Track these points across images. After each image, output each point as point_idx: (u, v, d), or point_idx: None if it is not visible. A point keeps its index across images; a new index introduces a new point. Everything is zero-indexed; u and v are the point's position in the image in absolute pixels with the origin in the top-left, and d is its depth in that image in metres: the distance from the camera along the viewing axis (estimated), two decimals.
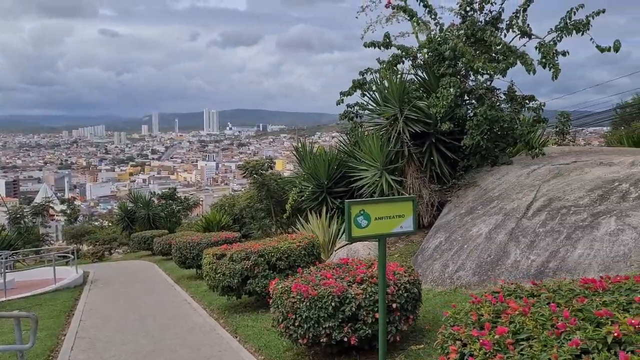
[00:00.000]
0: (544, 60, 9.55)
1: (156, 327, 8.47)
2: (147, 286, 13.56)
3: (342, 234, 11.31)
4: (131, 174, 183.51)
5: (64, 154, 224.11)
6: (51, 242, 39.75)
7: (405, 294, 5.47)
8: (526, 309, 3.00)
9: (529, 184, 8.76)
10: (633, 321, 2.49)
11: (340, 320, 5.23)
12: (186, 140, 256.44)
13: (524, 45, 10.37)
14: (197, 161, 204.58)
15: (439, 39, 10.64)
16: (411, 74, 11.56)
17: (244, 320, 8.24)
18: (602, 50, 9.42)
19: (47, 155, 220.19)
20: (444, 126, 9.98)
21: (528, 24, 10.37)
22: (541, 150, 10.21)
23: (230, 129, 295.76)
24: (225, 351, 6.82)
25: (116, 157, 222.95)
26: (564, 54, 9.75)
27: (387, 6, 11.21)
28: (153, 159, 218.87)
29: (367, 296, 5.27)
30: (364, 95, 11.86)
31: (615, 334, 2.45)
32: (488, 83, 10.81)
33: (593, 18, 9.55)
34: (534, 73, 9.64)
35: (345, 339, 5.24)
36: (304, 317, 5.28)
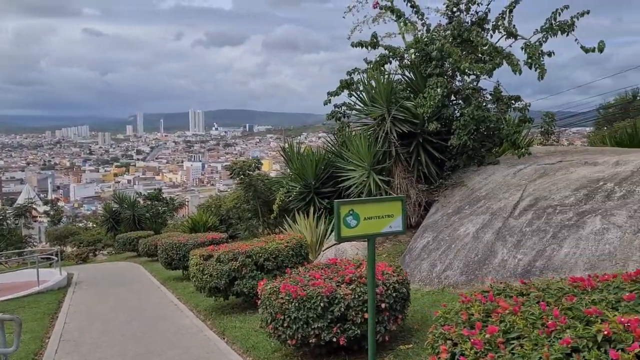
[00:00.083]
0: (529, 60, 9.63)
1: (143, 329, 8.38)
2: (132, 288, 13.42)
3: (330, 234, 11.30)
4: (116, 175, 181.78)
5: (47, 155, 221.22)
6: (34, 243, 39.23)
7: (394, 294, 5.47)
8: (516, 308, 3.00)
9: (516, 184, 8.82)
10: (622, 319, 2.51)
11: (329, 321, 5.21)
12: (171, 140, 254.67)
13: (510, 46, 10.46)
14: (182, 162, 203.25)
15: (426, 39, 10.67)
16: (398, 74, 11.60)
17: (231, 321, 8.19)
18: (586, 50, 9.52)
19: (29, 156, 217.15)
20: (431, 126, 10.02)
21: (514, 25, 10.46)
22: (527, 150, 10.30)
23: (216, 129, 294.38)
24: (213, 353, 6.76)
25: (100, 157, 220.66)
26: (549, 54, 9.84)
27: (374, 6, 11.22)
28: (138, 159, 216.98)
29: (356, 296, 5.26)
30: (351, 95, 11.87)
31: (606, 333, 2.46)
32: (475, 83, 10.87)
33: (578, 19, 9.65)
34: (520, 73, 9.72)
35: (334, 340, 5.23)
36: (292, 317, 5.26)
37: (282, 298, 5.36)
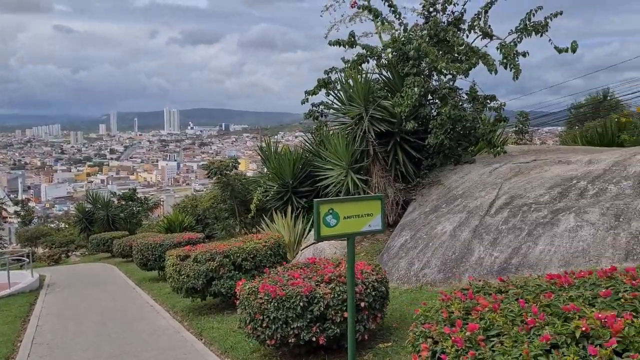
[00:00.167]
0: (505, 60, 9.76)
1: (118, 331, 8.23)
2: (107, 289, 13.20)
3: (308, 234, 11.28)
4: (89, 175, 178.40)
5: (17, 154, 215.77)
6: (4, 245, 38.33)
7: (373, 293, 5.48)
8: (496, 306, 3.02)
9: (491, 182, 8.93)
10: (600, 315, 2.54)
11: (308, 320, 5.19)
12: (146, 139, 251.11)
13: (486, 46, 10.58)
14: (157, 161, 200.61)
15: (403, 38, 10.73)
16: (376, 73, 11.64)
17: (209, 322, 8.10)
18: (560, 51, 9.69)
19: None
20: (409, 125, 10.08)
21: (489, 25, 10.59)
22: (502, 149, 10.44)
23: (192, 128, 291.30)
24: (191, 354, 6.68)
25: (73, 157, 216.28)
26: (524, 54, 9.99)
27: (352, 6, 11.24)
28: (112, 158, 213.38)
29: (336, 295, 5.25)
30: (329, 94, 11.86)
31: (584, 329, 2.49)
32: (451, 83, 10.98)
33: (551, 20, 9.81)
34: (496, 73, 9.85)
35: (314, 339, 5.21)
36: (271, 317, 5.22)
37: (261, 298, 5.32)
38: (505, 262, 6.72)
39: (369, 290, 5.43)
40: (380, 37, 11.72)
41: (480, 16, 10.60)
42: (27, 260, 16.40)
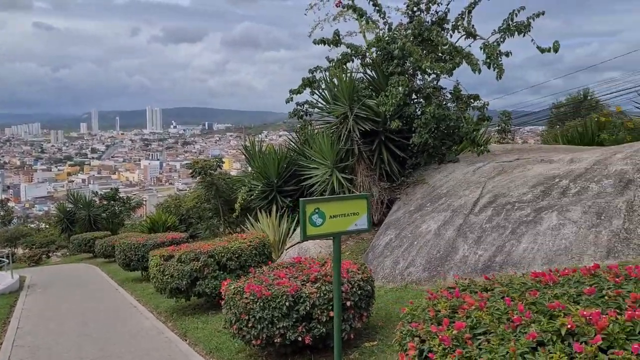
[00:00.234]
0: (488, 60, 9.84)
1: (101, 332, 8.12)
2: (89, 290, 13.03)
3: (293, 233, 11.25)
4: (69, 174, 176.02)
5: None
6: None
7: (359, 292, 5.48)
8: (482, 304, 3.04)
9: (475, 181, 9.00)
10: (585, 313, 2.56)
11: (294, 320, 5.18)
12: (128, 138, 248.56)
13: (469, 46, 10.65)
14: (140, 160, 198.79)
15: (387, 38, 10.76)
16: (360, 72, 11.65)
17: (193, 322, 8.04)
18: (542, 51, 9.80)
19: None
20: (393, 124, 10.11)
21: (473, 25, 10.66)
22: (486, 148, 10.52)
23: (175, 127, 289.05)
24: (175, 355, 6.62)
25: (53, 156, 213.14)
26: (507, 54, 10.07)
27: (337, 5, 11.24)
28: (93, 158, 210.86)
29: (322, 295, 5.24)
30: (313, 93, 11.85)
31: (569, 326, 2.51)
32: (435, 82, 11.04)
33: (533, 20, 9.91)
34: (480, 73, 9.92)
35: (300, 339, 5.19)
36: (257, 317, 5.20)
37: (246, 298, 5.29)
38: (489, 260, 6.77)
39: (354, 289, 5.43)
40: (364, 36, 11.74)
41: (463, 16, 10.68)
42: (7, 261, 16.12)
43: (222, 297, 5.78)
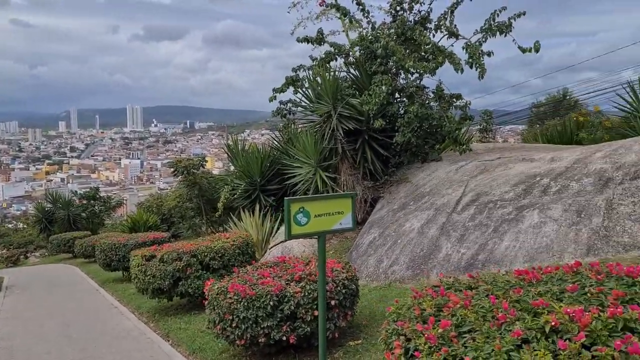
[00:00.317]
0: (470, 60, 9.91)
1: (81, 334, 8.00)
2: (69, 290, 12.84)
3: (277, 232, 11.22)
4: (48, 173, 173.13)
5: None
6: None
7: (344, 291, 5.48)
8: (467, 302, 3.05)
9: (458, 180, 9.06)
10: (568, 310, 2.59)
11: (278, 320, 5.16)
12: (108, 137, 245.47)
13: (452, 46, 10.71)
14: (120, 159, 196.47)
15: (370, 37, 10.78)
16: (344, 71, 11.66)
17: (176, 323, 7.97)
18: (524, 50, 9.90)
19: None
20: (377, 123, 10.13)
21: (455, 25, 10.73)
22: (468, 147, 10.61)
23: (156, 125, 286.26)
24: (157, 355, 6.55)
25: (31, 155, 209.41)
26: (488, 54, 10.15)
27: (320, 4, 11.22)
28: (72, 157, 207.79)
29: (306, 294, 5.23)
30: (297, 92, 11.82)
31: (553, 323, 2.54)
32: (418, 81, 11.08)
33: (514, 20, 10.01)
34: (462, 72, 9.99)
35: (284, 338, 5.17)
36: (241, 317, 5.17)
37: (230, 298, 5.25)
38: (472, 258, 6.83)
39: (339, 288, 5.43)
40: (347, 35, 11.75)
41: (446, 16, 10.74)
42: None
43: (206, 297, 5.74)
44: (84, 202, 28.54)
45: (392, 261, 7.85)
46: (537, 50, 9.78)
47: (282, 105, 12.39)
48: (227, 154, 14.42)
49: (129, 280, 11.45)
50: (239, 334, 5.21)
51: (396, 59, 10.24)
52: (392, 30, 10.68)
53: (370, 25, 11.27)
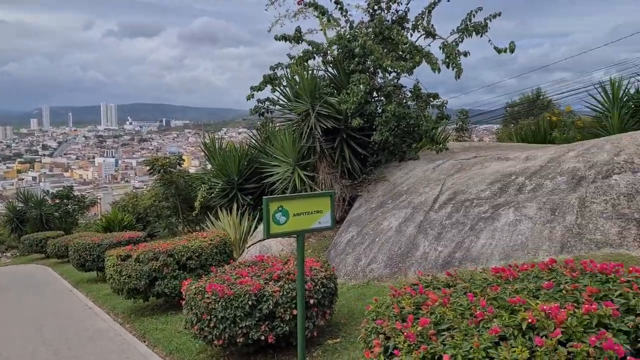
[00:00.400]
0: (447, 60, 10.00)
1: (55, 336, 7.84)
2: (42, 291, 12.57)
3: (255, 231, 11.17)
4: (19, 172, 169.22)
5: None
6: None
7: (323, 289, 5.48)
8: (445, 300, 3.08)
9: (435, 178, 9.14)
10: (544, 307, 2.63)
11: (257, 319, 5.13)
12: (81, 135, 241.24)
13: (429, 45, 10.79)
14: (94, 157, 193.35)
15: (348, 36, 10.79)
16: (322, 70, 11.65)
17: (152, 323, 7.87)
18: (499, 51, 10.03)
19: None
20: (355, 122, 10.15)
21: (432, 25, 10.81)
22: (445, 146, 10.71)
23: (131, 123, 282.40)
24: (134, 357, 6.46)
25: (1, 153, 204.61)
26: (465, 54, 10.26)
27: (298, 2, 11.19)
28: (44, 155, 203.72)
29: (285, 293, 5.21)
30: (274, 90, 11.78)
31: (530, 320, 2.58)
32: (396, 81, 11.13)
33: (490, 20, 10.13)
34: (439, 72, 10.08)
35: (263, 338, 5.15)
36: (219, 317, 5.12)
37: (208, 298, 5.20)
38: (449, 256, 6.90)
39: (318, 287, 5.43)
40: (325, 33, 11.74)
41: (423, 16, 10.81)
42: None
43: (183, 297, 5.67)
44: (57, 201, 28.01)
45: (370, 259, 7.88)
46: (512, 51, 9.92)
47: (260, 104, 12.34)
48: (204, 152, 14.29)
49: (104, 280, 11.26)
50: (217, 334, 5.17)
51: (374, 58, 10.28)
52: (370, 30, 10.71)
53: (349, 24, 11.30)
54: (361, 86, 10.03)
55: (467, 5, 11.04)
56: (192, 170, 27.64)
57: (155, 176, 18.01)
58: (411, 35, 10.99)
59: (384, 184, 10.22)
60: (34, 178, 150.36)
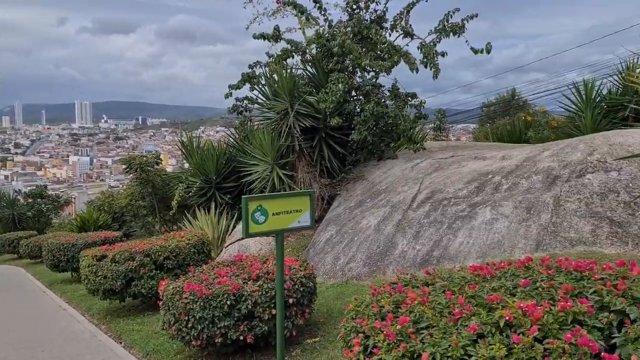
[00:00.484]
0: (425, 60, 10.08)
1: (28, 338, 7.67)
2: (14, 293, 12.30)
3: (233, 230, 11.10)
4: None
5: None
6: None
7: (302, 289, 5.47)
8: (424, 299, 3.10)
9: (413, 177, 9.21)
10: (521, 305, 2.67)
11: (236, 319, 5.10)
12: (55, 133, 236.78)
13: (407, 45, 10.86)
14: (68, 156, 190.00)
15: (327, 35, 10.79)
16: (301, 69, 11.63)
17: (128, 324, 7.76)
18: (476, 52, 10.15)
19: None
20: (333, 121, 10.16)
21: (410, 25, 10.88)
22: (422, 145, 10.79)
23: (106, 121, 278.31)
24: (110, 359, 6.36)
25: None
26: (442, 54, 10.36)
27: (277, 1, 11.15)
28: (16, 153, 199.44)
29: (264, 293, 5.19)
30: (253, 89, 11.72)
31: (507, 318, 2.61)
32: (374, 80, 11.17)
33: (467, 21, 10.25)
34: (417, 72, 10.15)
35: (241, 338, 5.12)
36: (197, 317, 5.07)
37: (186, 298, 5.15)
38: (427, 255, 6.95)
39: (297, 287, 5.42)
40: (304, 32, 11.74)
41: (402, 16, 10.88)
42: None
43: (160, 297, 5.61)
44: (30, 200, 27.48)
45: (349, 258, 7.90)
46: (488, 52, 10.05)
47: (238, 102, 12.27)
48: (182, 150, 14.15)
49: (79, 281, 11.07)
50: (195, 334, 5.12)
51: (353, 57, 10.30)
52: (349, 29, 10.74)
53: (327, 23, 11.30)
54: (340, 85, 10.05)
55: (445, 6, 11.14)
56: (169, 169, 27.32)
57: (131, 175, 17.77)
58: (390, 35, 11.05)
59: (363, 182, 10.26)
60: (6, 177, 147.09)
